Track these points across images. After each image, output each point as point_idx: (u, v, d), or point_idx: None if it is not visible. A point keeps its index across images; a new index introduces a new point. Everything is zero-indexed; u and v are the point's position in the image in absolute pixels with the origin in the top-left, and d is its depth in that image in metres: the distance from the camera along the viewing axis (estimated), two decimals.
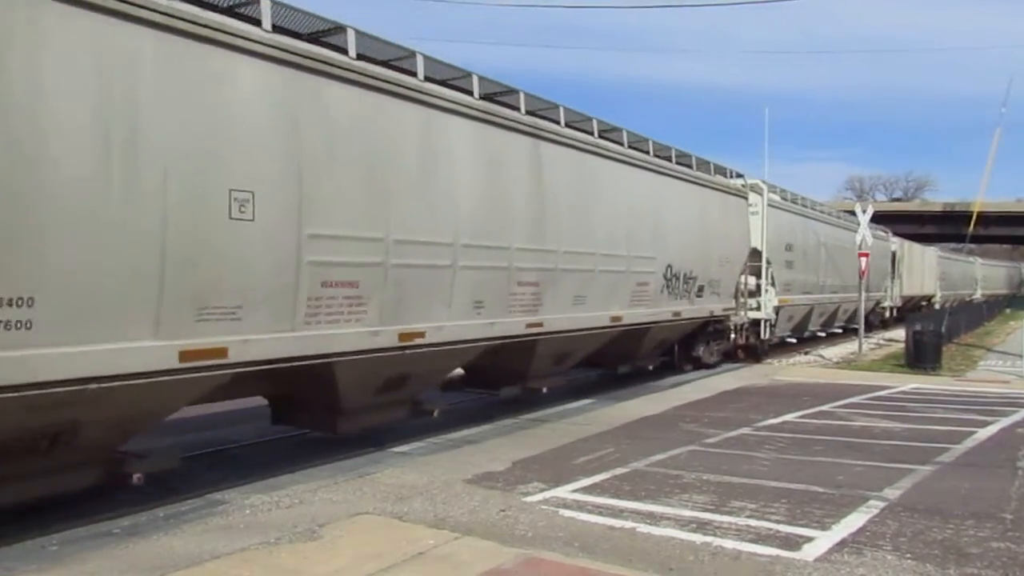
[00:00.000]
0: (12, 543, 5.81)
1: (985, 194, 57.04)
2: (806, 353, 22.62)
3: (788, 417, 11.26)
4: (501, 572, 5.16)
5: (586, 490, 7.20)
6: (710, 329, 16.83)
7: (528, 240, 10.08)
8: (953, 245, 62.43)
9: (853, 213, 23.81)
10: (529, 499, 6.89)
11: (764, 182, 19.52)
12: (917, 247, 40.94)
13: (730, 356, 18.44)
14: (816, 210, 24.88)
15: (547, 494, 7.04)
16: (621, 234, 12.19)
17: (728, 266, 16.46)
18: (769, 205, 19.49)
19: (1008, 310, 52.01)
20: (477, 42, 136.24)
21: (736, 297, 17.37)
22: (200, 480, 7.45)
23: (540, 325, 10.38)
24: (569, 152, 11.07)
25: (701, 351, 16.75)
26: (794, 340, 23.20)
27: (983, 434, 10.11)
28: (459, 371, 10.89)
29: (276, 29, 6.96)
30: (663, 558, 5.50)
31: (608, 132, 12.29)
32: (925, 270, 42.11)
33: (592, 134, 11.81)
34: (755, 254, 18.57)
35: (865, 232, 22.59)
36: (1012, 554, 5.63)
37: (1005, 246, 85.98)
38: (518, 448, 9.03)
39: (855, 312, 27.91)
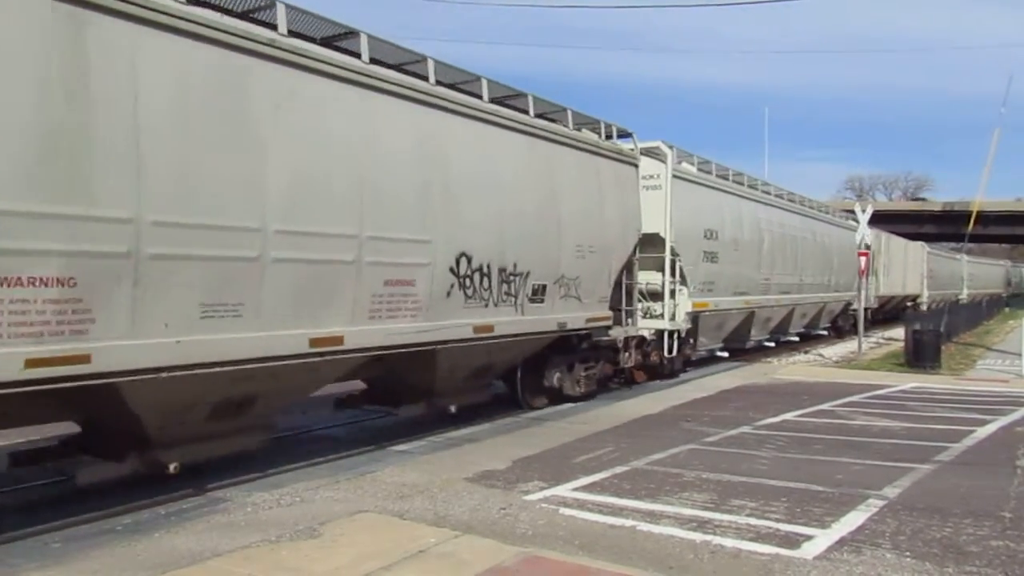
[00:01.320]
0: (15, 540, 5.83)
1: (984, 193, 57.02)
2: (806, 352, 22.63)
3: (788, 416, 11.28)
4: (502, 570, 5.18)
5: (586, 488, 7.22)
6: (583, 347, 12.39)
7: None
8: (952, 245, 62.40)
9: (853, 212, 23.69)
10: (529, 497, 6.91)
11: (668, 145, 14.85)
12: (899, 240, 36.12)
13: (626, 381, 14.28)
14: (773, 194, 20.72)
15: (547, 492, 7.06)
16: (345, 200, 7.73)
17: (597, 258, 11.91)
18: (677, 177, 14.92)
19: (1007, 309, 52.02)
20: (476, 42, 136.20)
21: (623, 302, 13.20)
22: (202, 478, 7.47)
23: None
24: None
25: (557, 379, 11.86)
26: (726, 354, 18.43)
27: (982, 433, 10.13)
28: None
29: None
30: (663, 556, 5.52)
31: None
32: (908, 267, 37.48)
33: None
34: (653, 243, 14.32)
35: (865, 232, 22.59)
36: (1011, 552, 5.65)
37: (1004, 245, 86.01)
38: (518, 447, 9.05)
39: (839, 314, 27.34)
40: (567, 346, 12.06)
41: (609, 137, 12.89)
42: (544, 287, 10.80)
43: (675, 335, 14.96)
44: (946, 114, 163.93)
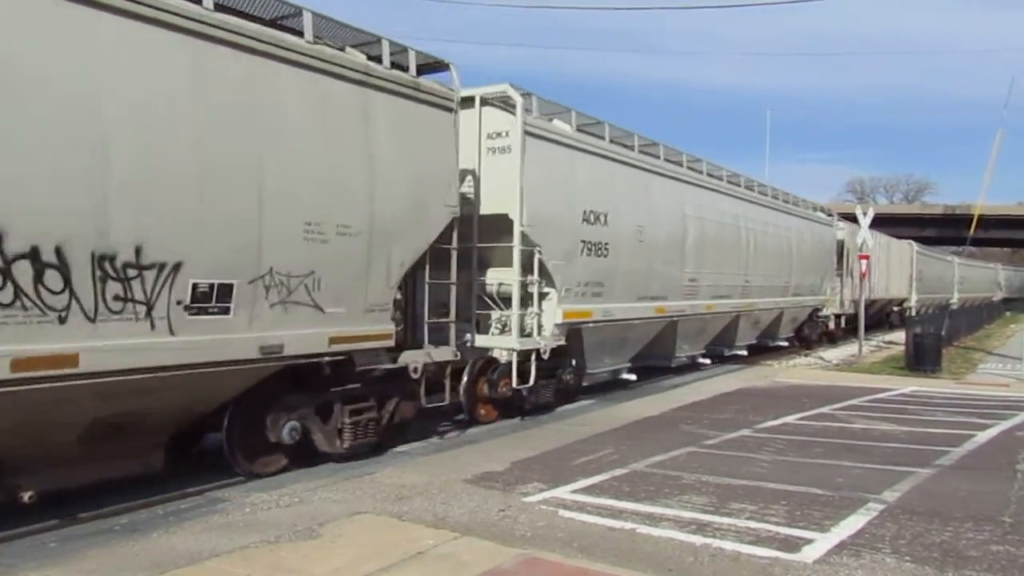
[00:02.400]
0: (13, 540, 5.82)
1: (986, 197, 56.95)
2: (806, 355, 22.60)
3: (788, 419, 11.27)
4: (501, 572, 5.17)
5: (585, 491, 7.21)
6: (352, 381, 8.36)
7: None
8: (954, 248, 62.38)
9: (855, 218, 23.58)
10: (529, 499, 6.90)
11: (521, 91, 10.73)
12: (882, 238, 31.59)
13: (469, 421, 10.62)
14: (706, 173, 16.50)
15: (546, 494, 7.05)
16: None
17: (358, 245, 8.07)
18: (536, 137, 10.74)
19: (1008, 313, 51.99)
20: (476, 43, 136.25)
21: (422, 315, 9.25)
22: (200, 478, 7.46)
23: None
24: None
25: (292, 432, 7.82)
26: (633, 377, 13.97)
27: (982, 437, 10.11)
28: None
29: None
30: (662, 559, 5.50)
31: None
32: (893, 267, 33.20)
33: None
34: (499, 227, 10.53)
35: (865, 235, 22.57)
36: (1011, 557, 5.64)
37: (1005, 249, 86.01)
38: (517, 448, 9.03)
39: (804, 321, 23.28)
40: (315, 380, 8.02)
41: (402, 68, 8.65)
42: (228, 288, 6.77)
43: (533, 356, 10.85)
44: (948, 117, 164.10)
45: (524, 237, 10.58)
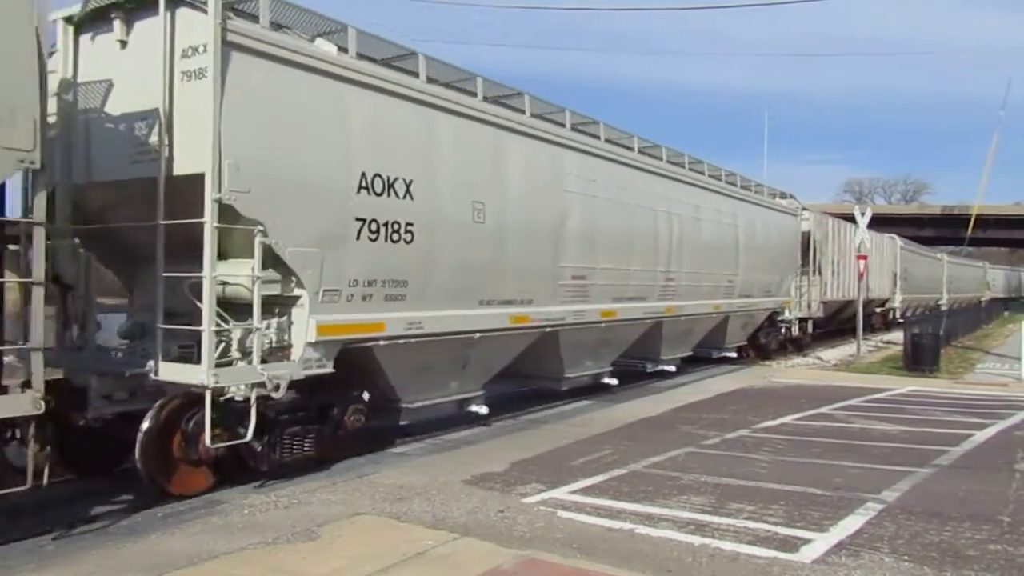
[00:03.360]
0: (10, 542, 5.81)
1: (984, 197, 57.03)
2: (804, 355, 22.61)
3: (786, 419, 11.27)
4: (499, 573, 5.17)
5: (584, 491, 7.21)
6: None
7: None
8: (952, 248, 62.47)
9: (854, 219, 23.56)
10: (527, 500, 6.90)
11: None
12: (856, 230, 26.45)
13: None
14: (604, 139, 12.69)
15: (545, 495, 7.05)
16: None
17: None
18: (247, 50, 7.11)
19: (1006, 312, 52.05)
20: (476, 44, 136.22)
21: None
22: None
23: None
24: None
25: None
26: (484, 410, 10.36)
27: (981, 437, 10.12)
28: None
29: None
30: (661, 560, 5.50)
31: None
32: (873, 265, 29.59)
33: None
34: (189, 186, 6.93)
35: (864, 235, 22.52)
36: (1009, 556, 5.64)
37: (1003, 249, 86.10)
38: (516, 449, 9.03)
39: (760, 328, 19.87)
40: None
41: None
42: None
43: (256, 401, 7.07)
44: (946, 118, 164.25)
45: (227, 210, 6.90)
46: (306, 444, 7.79)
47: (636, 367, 14.90)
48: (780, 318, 21.04)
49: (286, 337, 7.69)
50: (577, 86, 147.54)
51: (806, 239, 22.36)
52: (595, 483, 7.51)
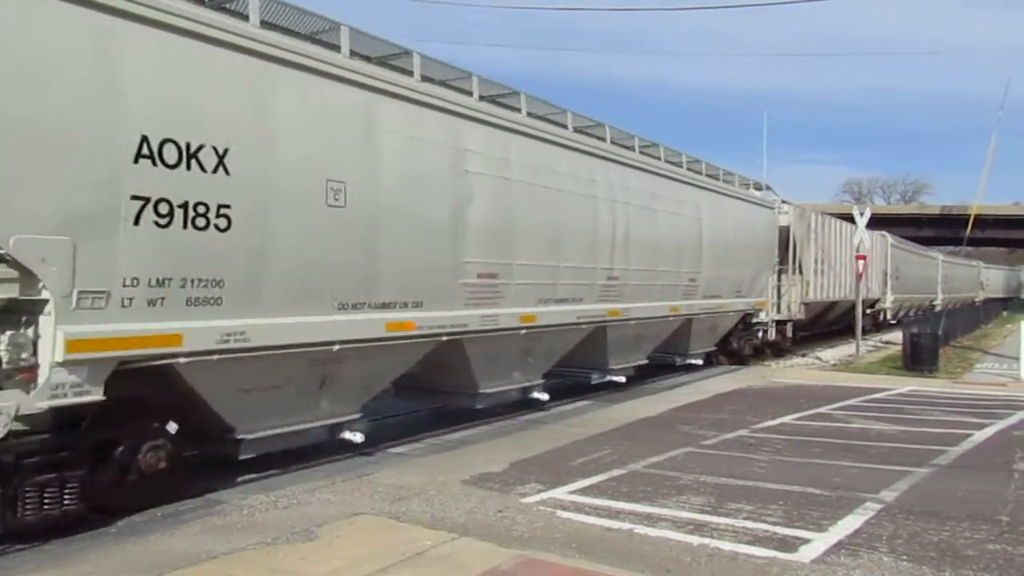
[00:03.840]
0: (9, 542, 5.81)
1: (983, 197, 57.07)
2: (803, 355, 22.63)
3: (785, 419, 11.28)
4: (499, 573, 5.17)
5: (583, 491, 7.21)
6: None
7: None
8: (951, 248, 62.50)
9: (853, 219, 23.54)
10: (526, 500, 6.90)
11: None
12: (844, 226, 25.57)
13: None
14: (525, 111, 10.91)
15: (544, 495, 7.05)
16: None
17: None
18: None
19: (1005, 313, 52.09)
20: (476, 44, 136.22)
21: None
22: (198, 480, 7.44)
23: None
24: None
25: None
26: (357, 438, 8.54)
27: (979, 437, 10.13)
28: None
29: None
30: (660, 559, 5.51)
31: None
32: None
33: None
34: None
35: (864, 235, 22.52)
36: (1008, 556, 5.65)
37: (1002, 249, 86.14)
38: (515, 449, 9.03)
39: (732, 331, 18.24)
40: None
41: None
42: None
43: None
44: (945, 118, 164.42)
45: None
46: (66, 497, 5.81)
47: (580, 378, 13.22)
48: (755, 320, 19.25)
49: (26, 355, 5.55)
50: (576, 86, 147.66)
51: (785, 235, 20.61)
52: (594, 483, 7.51)
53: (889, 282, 31.90)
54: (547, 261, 10.93)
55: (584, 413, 11.78)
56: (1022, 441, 9.87)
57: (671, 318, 14.76)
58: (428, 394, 10.70)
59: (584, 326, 11.91)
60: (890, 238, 33.07)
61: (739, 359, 18.89)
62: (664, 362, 15.94)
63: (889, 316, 31.87)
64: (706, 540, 5.88)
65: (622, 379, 13.56)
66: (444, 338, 9.22)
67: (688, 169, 15.59)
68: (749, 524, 6.28)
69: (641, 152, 13.80)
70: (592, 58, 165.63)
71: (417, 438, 9.78)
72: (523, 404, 11.47)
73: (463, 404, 10.49)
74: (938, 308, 39.75)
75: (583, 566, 5.34)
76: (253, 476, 7.74)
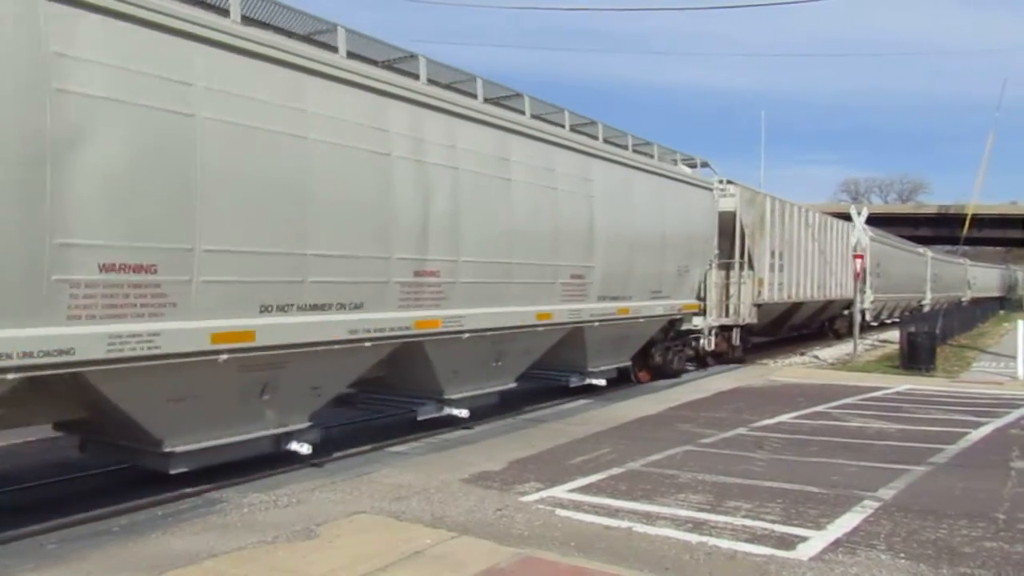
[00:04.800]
0: (11, 541, 5.83)
1: (979, 196, 57.18)
2: (802, 354, 22.68)
3: (783, 417, 11.31)
4: (498, 571, 5.19)
5: (582, 490, 7.23)
6: None
7: None
8: (948, 247, 62.60)
9: (849, 217, 23.55)
10: (526, 499, 6.92)
11: None
12: (807, 213, 23.02)
13: None
14: (355, 54, 8.25)
15: (544, 494, 7.07)
16: None
17: None
18: None
19: (1002, 312, 52.21)
20: (476, 44, 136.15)
21: None
22: (199, 479, 7.45)
23: None
24: None
25: None
26: None
27: (976, 435, 10.17)
28: None
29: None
30: (659, 558, 5.53)
31: None
32: (832, 258, 25.35)
33: None
34: None
35: (862, 234, 22.47)
36: (1005, 553, 5.68)
37: (998, 248, 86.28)
38: (515, 448, 9.05)
39: (663, 342, 14.98)
40: None
41: None
42: None
43: None
44: (942, 117, 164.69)
45: None
46: None
47: (403, 411, 10.23)
48: (686, 328, 15.81)
49: None
50: (573, 86, 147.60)
51: (730, 223, 17.39)
52: (593, 482, 7.53)
53: (869, 279, 28.34)
54: (277, 247, 7.16)
55: (583, 412, 11.80)
56: (1019, 439, 9.91)
57: (542, 327, 10.75)
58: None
59: (365, 342, 8.05)
60: (870, 231, 28.22)
61: (665, 374, 15.42)
62: (555, 383, 12.71)
63: (868, 318, 28.76)
64: (705, 538, 5.90)
65: (463, 413, 9.88)
66: (64, 372, 5.75)
67: (572, 129, 11.61)
68: (747, 522, 6.30)
69: (490, 102, 10.06)
70: (589, 58, 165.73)
71: (417, 437, 9.79)
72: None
73: (151, 467, 7.05)
74: (926, 308, 37.52)
75: (582, 564, 5.35)
76: (253, 475, 7.75)
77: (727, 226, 17.26)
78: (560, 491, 7.17)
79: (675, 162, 15.58)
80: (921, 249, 43.74)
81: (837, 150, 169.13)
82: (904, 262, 37.23)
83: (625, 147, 13.29)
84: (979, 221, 54.85)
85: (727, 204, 17.28)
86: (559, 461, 8.39)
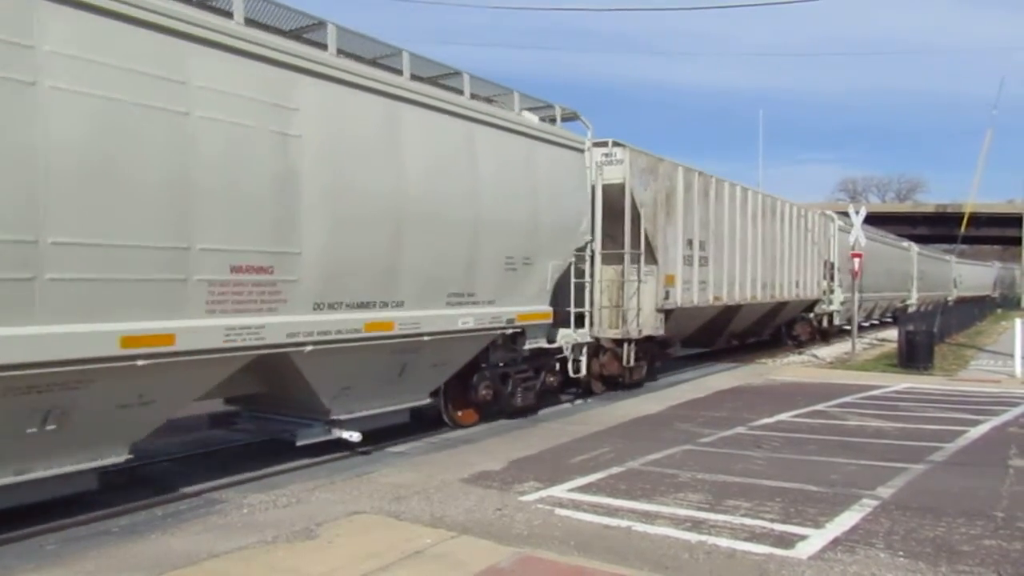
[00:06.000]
0: (11, 541, 5.83)
1: (976, 195, 57.20)
2: (800, 353, 22.70)
3: (782, 416, 11.32)
4: (498, 571, 5.20)
5: (582, 489, 7.24)
6: None
7: None
8: (945, 246, 62.68)
9: (847, 215, 23.49)
10: (525, 498, 6.93)
11: None
12: (741, 191, 17.87)
13: None
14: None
15: (543, 493, 7.08)
16: None
17: None
18: None
19: (999, 310, 52.29)
20: (475, 44, 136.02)
21: None
22: (198, 479, 7.46)
23: None
24: None
25: None
26: None
27: (975, 433, 10.19)
28: None
29: None
30: (658, 557, 5.54)
31: None
32: (791, 251, 21.04)
33: None
34: None
35: (860, 233, 22.37)
36: (1003, 551, 5.69)
37: (995, 247, 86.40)
38: (514, 447, 9.06)
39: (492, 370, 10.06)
40: None
41: None
42: None
43: None
44: (939, 117, 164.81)
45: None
46: None
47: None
48: (531, 347, 10.94)
49: None
50: (572, 86, 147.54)
51: (617, 198, 12.97)
52: (593, 481, 7.54)
53: (837, 277, 24.66)
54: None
55: (583, 411, 11.81)
56: (1017, 437, 9.93)
57: (139, 363, 6.20)
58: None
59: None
60: (838, 220, 25.33)
61: (505, 411, 10.92)
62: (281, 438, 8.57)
63: (837, 321, 24.98)
64: (704, 537, 5.91)
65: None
66: None
67: (249, 22, 7.44)
68: (747, 521, 6.31)
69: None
70: (587, 58, 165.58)
71: (416, 437, 9.80)
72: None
73: None
74: (912, 309, 33.18)
75: (581, 563, 5.36)
76: (253, 475, 7.76)
77: (615, 204, 12.93)
78: (560, 490, 7.18)
79: (508, 103, 10.91)
80: (906, 243, 39.33)
81: (835, 149, 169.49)
82: (884, 257, 31.98)
83: (399, 71, 8.85)
84: (976, 220, 54.96)
85: (613, 174, 12.91)
86: (559, 461, 8.40)
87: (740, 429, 10.32)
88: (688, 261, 15.21)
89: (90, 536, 6.02)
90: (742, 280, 17.83)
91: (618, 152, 13.10)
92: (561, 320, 11.57)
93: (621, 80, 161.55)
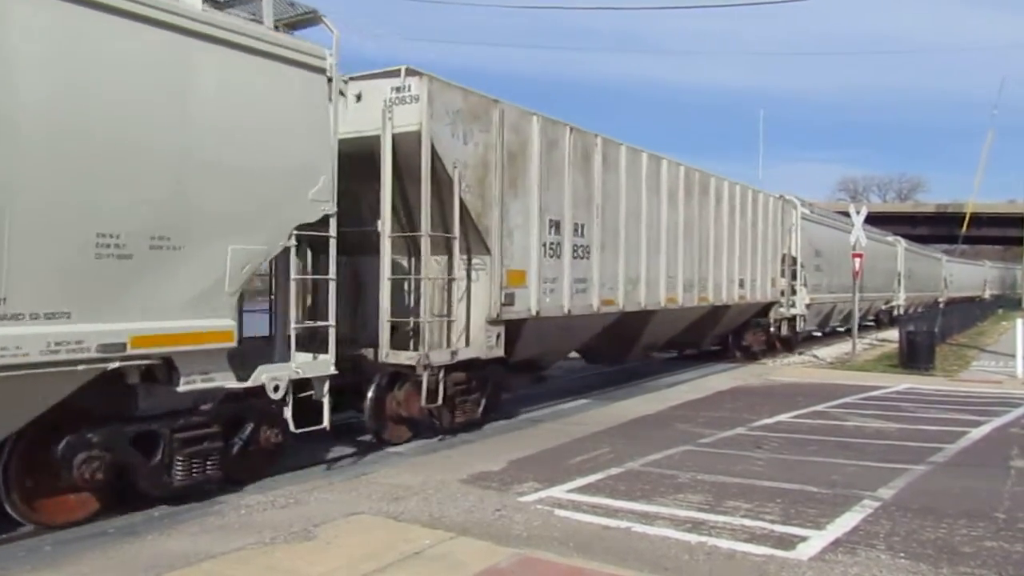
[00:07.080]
0: (7, 543, 5.80)
1: (978, 195, 57.12)
2: (800, 353, 22.66)
3: (782, 417, 11.29)
4: (497, 572, 5.17)
5: (581, 490, 7.21)
6: None
7: None
8: (946, 246, 62.64)
9: (848, 215, 23.40)
10: (524, 499, 6.90)
11: None
12: (638, 155, 12.81)
13: None
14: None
15: (542, 494, 7.05)
16: None
17: None
18: None
19: (1000, 311, 52.23)
20: (474, 44, 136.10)
21: None
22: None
23: None
24: None
25: None
26: None
27: (976, 434, 10.16)
28: None
29: None
30: (658, 558, 5.51)
31: None
32: (742, 243, 17.22)
33: None
34: None
35: (860, 233, 22.31)
36: (1005, 553, 5.66)
37: (996, 247, 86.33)
38: (513, 448, 9.03)
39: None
40: None
41: None
42: None
43: None
44: (940, 116, 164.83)
45: None
46: None
47: None
48: (186, 387, 6.43)
49: None
50: (571, 85, 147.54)
51: (416, 153, 8.75)
52: (592, 482, 7.51)
53: (802, 276, 21.05)
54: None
55: (582, 411, 11.78)
56: (1018, 438, 9.90)
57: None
58: None
59: None
60: (802, 208, 21.65)
61: (150, 496, 6.69)
62: None
63: (802, 326, 21.56)
64: (704, 538, 5.88)
65: None
66: None
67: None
68: (747, 522, 6.28)
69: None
70: (587, 57, 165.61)
71: (415, 437, 9.76)
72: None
73: None
74: (897, 312, 30.28)
75: (581, 564, 5.34)
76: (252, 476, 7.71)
77: (407, 158, 8.83)
78: (559, 491, 7.15)
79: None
80: (891, 237, 34.79)
81: (835, 149, 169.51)
82: (871, 255, 26.89)
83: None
84: (977, 220, 54.81)
85: (407, 117, 8.72)
86: (558, 461, 8.37)
87: (740, 430, 10.29)
88: (551, 251, 10.80)
89: (87, 537, 5.98)
90: (653, 278, 13.40)
91: (413, 84, 8.68)
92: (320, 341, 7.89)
93: (622, 80, 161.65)
